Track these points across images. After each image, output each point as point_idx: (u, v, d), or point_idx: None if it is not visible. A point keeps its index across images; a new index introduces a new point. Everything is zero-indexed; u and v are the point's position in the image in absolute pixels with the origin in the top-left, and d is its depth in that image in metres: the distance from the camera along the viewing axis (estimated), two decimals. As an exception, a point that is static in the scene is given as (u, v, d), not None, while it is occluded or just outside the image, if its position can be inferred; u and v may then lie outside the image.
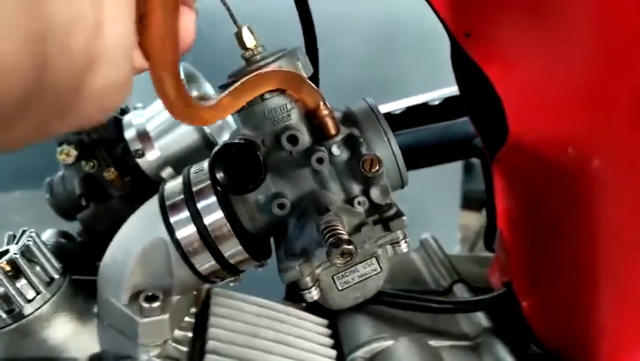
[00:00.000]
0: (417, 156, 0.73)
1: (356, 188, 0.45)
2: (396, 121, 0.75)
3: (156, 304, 0.46)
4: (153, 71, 0.28)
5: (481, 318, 0.60)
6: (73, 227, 0.69)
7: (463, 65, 0.44)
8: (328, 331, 0.61)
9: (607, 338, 0.52)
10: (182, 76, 0.63)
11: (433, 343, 0.58)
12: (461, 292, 0.65)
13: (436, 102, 0.75)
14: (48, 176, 0.68)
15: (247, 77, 0.39)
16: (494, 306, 0.59)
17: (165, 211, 0.46)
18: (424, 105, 0.74)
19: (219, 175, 0.41)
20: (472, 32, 0.42)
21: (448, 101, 0.74)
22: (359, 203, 0.45)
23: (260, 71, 0.40)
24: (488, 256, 0.72)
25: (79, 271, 0.55)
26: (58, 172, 0.68)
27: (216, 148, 0.41)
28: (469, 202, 2.48)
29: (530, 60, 0.44)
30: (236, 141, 0.41)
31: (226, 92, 0.37)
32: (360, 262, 0.45)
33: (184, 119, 0.31)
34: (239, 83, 0.39)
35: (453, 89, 0.72)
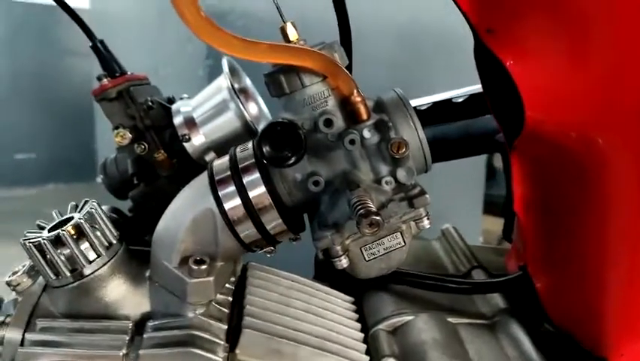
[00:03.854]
0: (441, 149, 0.77)
1: (384, 169, 0.50)
2: (420, 117, 0.80)
3: (203, 267, 0.51)
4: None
5: (498, 299, 0.64)
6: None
7: (485, 58, 0.49)
8: (354, 307, 0.66)
9: (615, 319, 0.55)
10: (227, 69, 0.69)
11: (451, 320, 0.62)
12: (479, 277, 0.69)
13: (460, 99, 0.79)
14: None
15: (295, 45, 0.45)
16: (510, 288, 0.63)
17: (214, 185, 0.52)
18: (449, 102, 0.79)
19: (265, 149, 0.47)
20: (494, 28, 0.47)
21: (471, 98, 0.78)
22: (386, 182, 0.50)
23: (307, 47, 0.46)
24: (506, 248, 0.76)
25: (129, 242, 0.61)
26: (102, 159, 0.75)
27: (264, 125, 0.47)
28: (492, 207, 2.50)
29: (547, 55, 0.48)
30: (280, 120, 0.47)
31: (270, 42, 0.43)
32: (385, 236, 0.50)
33: (212, 40, 0.38)
34: (285, 44, 0.44)
35: (477, 87, 0.76)
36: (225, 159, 0.53)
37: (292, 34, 0.49)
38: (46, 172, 3.74)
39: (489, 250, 0.79)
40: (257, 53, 0.44)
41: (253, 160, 0.51)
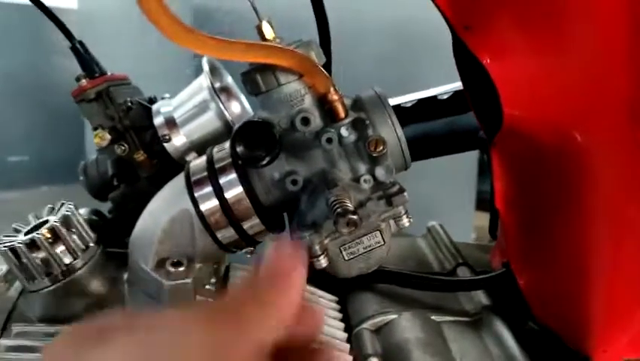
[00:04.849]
0: (425, 146, 0.76)
1: (362, 167, 0.50)
2: (405, 114, 0.79)
3: (181, 269, 0.51)
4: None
5: (481, 297, 0.64)
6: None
7: (463, 55, 0.48)
8: (338, 306, 0.66)
9: (598, 315, 0.55)
10: (207, 68, 0.68)
11: (434, 318, 0.61)
12: (464, 274, 0.69)
13: (445, 96, 0.78)
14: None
15: (270, 43, 0.44)
16: (493, 285, 0.63)
17: (191, 186, 0.51)
18: (434, 99, 0.78)
19: (239, 149, 0.46)
20: (471, 25, 0.46)
21: (456, 94, 0.77)
22: (365, 181, 0.49)
23: (281, 45, 0.45)
24: (492, 244, 0.75)
25: (109, 245, 0.60)
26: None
27: (238, 125, 0.46)
28: (484, 204, 2.50)
29: (525, 52, 0.48)
30: (255, 119, 0.46)
31: (246, 40, 0.43)
32: (364, 235, 0.50)
33: (187, 42, 0.38)
34: (260, 42, 0.44)
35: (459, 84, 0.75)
36: (202, 159, 0.53)
37: (268, 32, 0.49)
38: (39, 174, 3.71)
39: (474, 247, 0.79)
40: (232, 52, 0.43)
41: (230, 160, 0.50)
